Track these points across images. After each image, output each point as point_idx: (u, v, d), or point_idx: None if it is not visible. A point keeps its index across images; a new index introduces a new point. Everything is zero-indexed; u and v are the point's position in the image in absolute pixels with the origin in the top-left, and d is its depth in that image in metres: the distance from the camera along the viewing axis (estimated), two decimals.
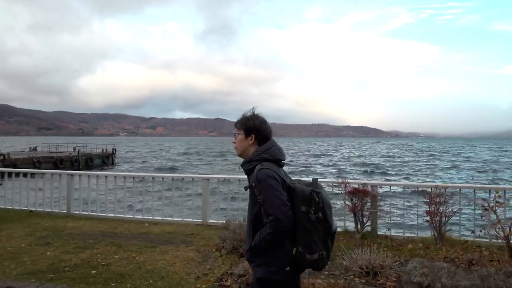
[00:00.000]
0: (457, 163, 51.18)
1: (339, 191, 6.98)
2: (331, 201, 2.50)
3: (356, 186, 6.71)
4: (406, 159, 59.17)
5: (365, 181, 7.07)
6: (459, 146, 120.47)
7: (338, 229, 6.93)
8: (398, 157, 65.27)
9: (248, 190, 2.47)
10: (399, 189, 8.48)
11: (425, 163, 51.61)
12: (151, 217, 7.90)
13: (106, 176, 8.39)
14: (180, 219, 7.76)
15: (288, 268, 2.34)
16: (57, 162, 39.53)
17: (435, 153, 76.91)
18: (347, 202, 6.63)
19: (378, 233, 6.77)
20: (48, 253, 5.78)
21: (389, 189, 7.13)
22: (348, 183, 6.72)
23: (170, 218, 7.82)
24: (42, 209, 8.54)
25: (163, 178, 8.08)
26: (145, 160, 57.70)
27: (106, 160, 48.13)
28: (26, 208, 8.57)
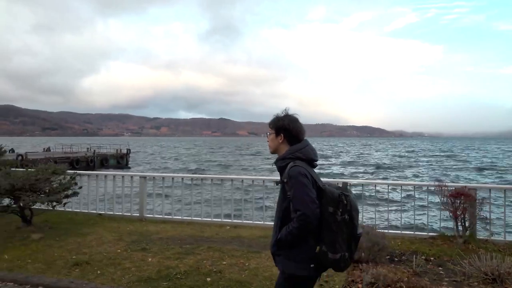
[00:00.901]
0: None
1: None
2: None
3: (453, 188, 6.50)
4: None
5: (464, 184, 6.84)
6: (476, 146, 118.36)
7: (432, 233, 6.79)
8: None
9: (279, 185, 2.57)
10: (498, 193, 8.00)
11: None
12: (230, 220, 7.70)
13: (182, 178, 8.22)
14: (261, 222, 7.55)
15: (313, 265, 2.44)
16: (73, 163, 39.50)
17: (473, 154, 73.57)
18: (447, 206, 6.42)
19: (477, 237, 6.55)
20: (150, 259, 5.60)
21: (487, 193, 6.89)
22: (446, 186, 6.52)
23: (250, 221, 7.61)
24: (112, 212, 8.36)
25: (242, 180, 7.84)
26: (165, 160, 57.33)
27: (121, 160, 48.07)
28: (95, 212, 8.39)
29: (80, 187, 7.05)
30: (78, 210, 8.41)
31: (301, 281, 2.49)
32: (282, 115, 2.70)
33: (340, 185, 2.55)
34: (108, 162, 45.50)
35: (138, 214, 8.16)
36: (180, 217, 7.98)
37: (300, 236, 2.40)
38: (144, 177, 8.25)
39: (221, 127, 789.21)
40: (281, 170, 2.59)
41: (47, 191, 6.52)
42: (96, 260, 5.56)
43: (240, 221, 7.70)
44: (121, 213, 8.33)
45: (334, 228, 2.37)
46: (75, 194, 6.68)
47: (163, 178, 8.38)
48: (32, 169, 7.11)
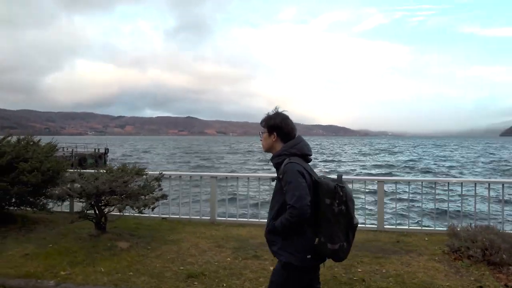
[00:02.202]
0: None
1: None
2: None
3: None
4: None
5: None
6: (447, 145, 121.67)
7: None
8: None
9: (275, 181, 2.68)
10: None
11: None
12: None
13: (248, 178, 7.66)
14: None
15: (309, 256, 2.52)
16: None
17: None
18: None
19: None
20: (271, 267, 5.06)
21: None
22: None
23: None
24: (177, 216, 7.69)
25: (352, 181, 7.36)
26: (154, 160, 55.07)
27: (99, 160, 46.25)
28: (155, 215, 7.69)
29: (161, 189, 6.35)
30: (137, 214, 7.66)
31: (299, 271, 2.56)
32: (273, 113, 2.76)
33: (336, 177, 2.59)
34: (87, 162, 43.65)
35: (209, 217, 7.54)
36: (257, 220, 7.42)
37: (292, 228, 2.49)
38: (215, 177, 7.62)
39: (188, 126, 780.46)
40: (277, 166, 2.66)
41: (129, 194, 5.81)
42: (211, 271, 4.99)
43: None
44: (188, 217, 7.68)
45: (331, 219, 2.45)
46: (164, 197, 6.00)
47: (237, 178, 7.77)
48: (103, 170, 6.37)
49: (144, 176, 6.23)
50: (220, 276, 4.86)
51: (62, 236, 6.44)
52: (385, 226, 6.87)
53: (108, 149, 50.01)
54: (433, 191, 6.92)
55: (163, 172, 6.86)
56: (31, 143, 6.92)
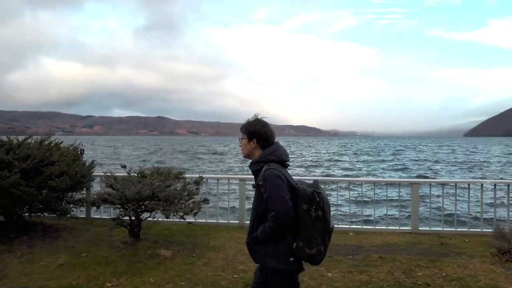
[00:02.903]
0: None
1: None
2: None
3: None
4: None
5: None
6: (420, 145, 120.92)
7: None
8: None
9: (255, 188, 2.68)
10: None
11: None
12: (350, 226, 7.14)
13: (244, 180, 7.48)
14: (384, 227, 7.06)
15: (292, 259, 2.56)
16: None
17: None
18: None
19: None
20: (329, 274, 4.94)
21: None
22: None
23: (371, 227, 7.10)
24: (204, 220, 7.40)
25: (374, 183, 7.24)
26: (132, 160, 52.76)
27: None
28: (179, 220, 7.35)
29: (197, 193, 6.06)
30: (161, 219, 7.34)
31: (286, 275, 2.61)
32: (253, 120, 2.80)
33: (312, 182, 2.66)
34: None
35: (237, 222, 7.30)
36: None
37: (275, 234, 2.53)
38: (244, 179, 7.39)
39: (159, 126, 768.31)
40: (255, 173, 2.70)
41: (171, 199, 5.52)
42: None
43: (360, 226, 7.15)
44: (215, 221, 7.42)
45: (309, 225, 2.51)
46: (206, 201, 5.72)
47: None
48: (134, 173, 6.04)
49: (185, 180, 5.92)
50: None
51: (91, 244, 6.06)
52: (419, 229, 6.85)
53: (83, 149, 48.29)
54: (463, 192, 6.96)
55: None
56: (53, 145, 6.46)
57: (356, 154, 56.58)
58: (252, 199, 2.81)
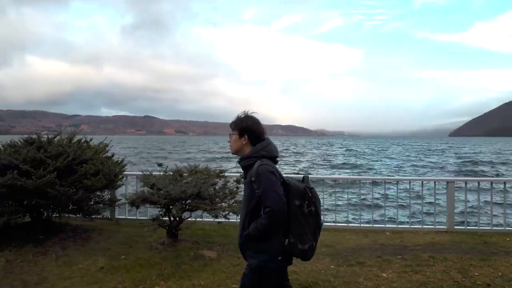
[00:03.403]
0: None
1: None
2: None
3: None
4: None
5: None
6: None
7: None
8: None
9: (246, 184, 2.65)
10: None
11: None
12: (385, 226, 7.01)
13: (334, 181, 7.35)
14: (419, 226, 6.97)
15: (280, 257, 2.52)
16: None
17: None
18: None
19: None
20: (384, 274, 4.80)
21: None
22: None
23: (405, 226, 7.00)
24: (234, 220, 7.19)
25: (410, 182, 7.11)
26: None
27: None
28: (210, 220, 7.16)
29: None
30: (191, 219, 7.12)
31: (269, 274, 2.56)
32: (244, 116, 2.74)
33: (302, 178, 2.65)
34: None
35: None
36: (333, 224, 7.14)
37: (267, 231, 2.47)
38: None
39: (146, 125, 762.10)
40: (246, 169, 2.65)
41: (215, 198, 5.33)
42: (323, 280, 4.69)
43: (395, 225, 7.04)
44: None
45: (301, 220, 2.48)
46: None
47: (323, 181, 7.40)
48: (170, 172, 5.83)
49: (225, 179, 5.72)
50: (336, 286, 4.56)
51: (126, 245, 5.84)
52: (455, 227, 6.77)
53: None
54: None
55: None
56: (81, 142, 6.21)
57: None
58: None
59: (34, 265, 5.11)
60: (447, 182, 6.81)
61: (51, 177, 5.16)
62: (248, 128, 2.68)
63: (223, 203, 5.33)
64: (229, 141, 2.78)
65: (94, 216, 6.48)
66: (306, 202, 2.49)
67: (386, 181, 7.34)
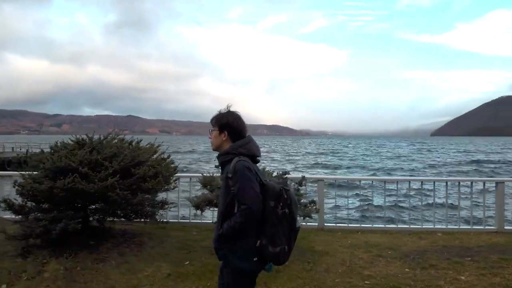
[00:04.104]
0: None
1: None
2: None
3: None
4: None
5: None
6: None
7: None
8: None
9: (223, 181, 2.57)
10: None
11: None
12: (435, 226, 6.93)
13: (359, 181, 7.21)
14: (468, 226, 6.93)
15: (256, 259, 2.45)
16: (4, 164, 34.09)
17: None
18: None
19: None
20: (463, 277, 4.72)
21: None
22: None
23: (455, 226, 6.94)
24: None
25: (459, 183, 7.04)
26: None
27: None
28: None
29: None
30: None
31: (245, 275, 2.52)
32: (225, 111, 2.67)
33: (281, 179, 2.65)
34: None
35: (316, 224, 6.97)
36: (370, 225, 7.02)
37: (242, 230, 2.41)
38: (322, 179, 7.06)
39: (129, 125, 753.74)
40: (223, 165, 2.59)
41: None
42: (405, 284, 4.64)
43: (444, 226, 6.98)
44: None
45: (275, 222, 2.41)
46: (313, 203, 5.37)
47: (335, 181, 7.26)
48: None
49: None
50: None
51: (184, 250, 5.62)
52: (505, 228, 6.75)
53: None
54: None
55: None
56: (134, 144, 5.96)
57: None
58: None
59: (96, 273, 4.85)
60: (496, 183, 6.80)
61: (113, 180, 4.91)
62: (228, 124, 2.60)
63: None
64: (209, 137, 2.71)
65: (154, 221, 6.23)
66: (281, 204, 2.42)
67: (436, 182, 7.25)
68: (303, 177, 5.71)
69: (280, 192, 2.43)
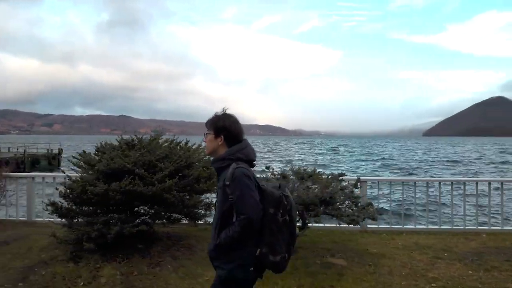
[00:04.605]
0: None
1: None
2: None
3: None
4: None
5: None
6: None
7: None
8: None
9: (220, 189, 2.44)
10: None
11: None
12: (478, 227, 6.89)
13: (378, 182, 7.16)
14: (510, 228, 6.90)
15: (252, 268, 2.35)
16: (1, 164, 33.58)
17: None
18: None
19: None
20: None
21: None
22: None
23: (498, 227, 6.90)
24: (322, 224, 6.94)
25: (502, 183, 6.96)
26: None
27: (53, 161, 42.40)
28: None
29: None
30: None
31: (240, 284, 2.38)
32: (222, 114, 2.54)
33: (278, 184, 2.50)
34: (39, 164, 39.83)
35: (359, 226, 6.88)
36: (399, 226, 6.97)
37: (240, 240, 2.32)
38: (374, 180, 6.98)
39: (121, 125, 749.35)
40: (219, 171, 2.46)
41: (336, 203, 5.07)
42: (472, 287, 4.47)
43: (487, 227, 6.93)
44: (334, 224, 6.96)
45: (275, 230, 2.32)
46: (370, 205, 5.28)
47: (377, 181, 7.18)
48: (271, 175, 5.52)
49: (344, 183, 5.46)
50: None
51: None
52: None
53: (62, 149, 45.99)
54: None
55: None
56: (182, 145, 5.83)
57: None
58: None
59: (154, 278, 4.72)
60: None
61: (172, 182, 4.78)
62: (224, 128, 2.46)
63: (347, 208, 5.06)
64: (204, 141, 2.58)
65: (201, 222, 6.10)
66: (281, 211, 2.32)
67: (466, 182, 7.21)
68: (359, 179, 5.61)
69: (279, 199, 2.33)
